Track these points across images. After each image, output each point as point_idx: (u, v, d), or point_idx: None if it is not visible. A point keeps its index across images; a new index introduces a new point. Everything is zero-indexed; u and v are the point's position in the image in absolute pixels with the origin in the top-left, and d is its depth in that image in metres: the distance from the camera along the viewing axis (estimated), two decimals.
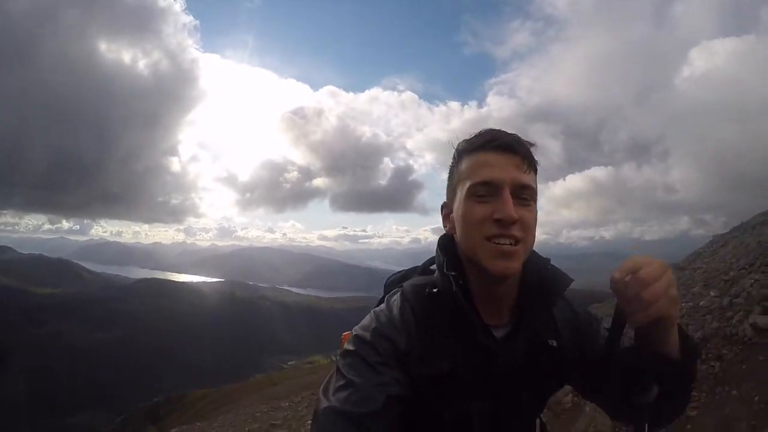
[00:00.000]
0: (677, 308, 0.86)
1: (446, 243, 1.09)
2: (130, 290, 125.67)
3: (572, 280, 1.08)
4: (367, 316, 1.05)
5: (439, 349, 0.99)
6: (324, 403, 0.93)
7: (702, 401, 4.51)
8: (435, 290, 1.03)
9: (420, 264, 1.24)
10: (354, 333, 1.02)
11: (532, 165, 1.01)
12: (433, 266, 1.13)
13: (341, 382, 0.94)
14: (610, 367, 0.97)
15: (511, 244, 0.95)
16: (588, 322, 1.15)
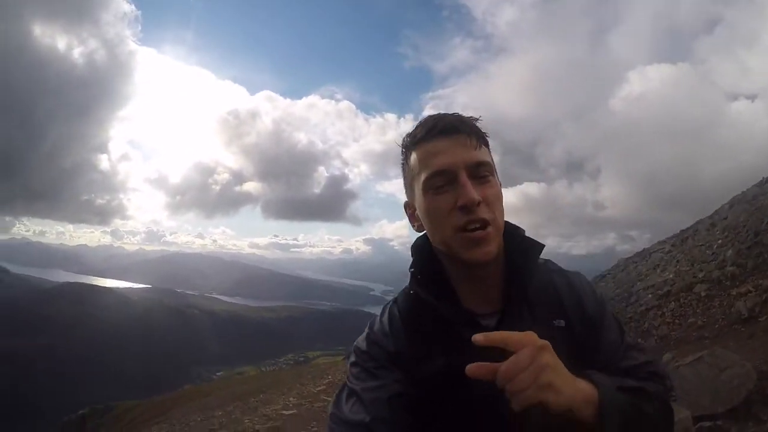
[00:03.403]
0: (555, 393, 0.76)
1: (420, 242, 1.06)
2: (54, 295, 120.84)
3: (543, 246, 1.03)
4: (366, 327, 1.05)
5: (429, 349, 0.96)
6: (332, 411, 0.96)
7: None
8: (411, 292, 1.02)
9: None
10: (354, 344, 1.04)
11: (481, 139, 0.97)
12: None
13: (346, 392, 0.97)
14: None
15: (482, 227, 0.91)
16: (594, 307, 1.04)
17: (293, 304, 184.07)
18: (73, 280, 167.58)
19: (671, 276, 8.74)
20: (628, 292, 9.08)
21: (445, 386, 0.94)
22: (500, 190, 0.98)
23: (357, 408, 0.93)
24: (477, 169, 0.94)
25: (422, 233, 1.07)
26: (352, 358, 1.02)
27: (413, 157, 1.00)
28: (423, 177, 0.96)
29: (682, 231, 13.06)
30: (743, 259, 7.34)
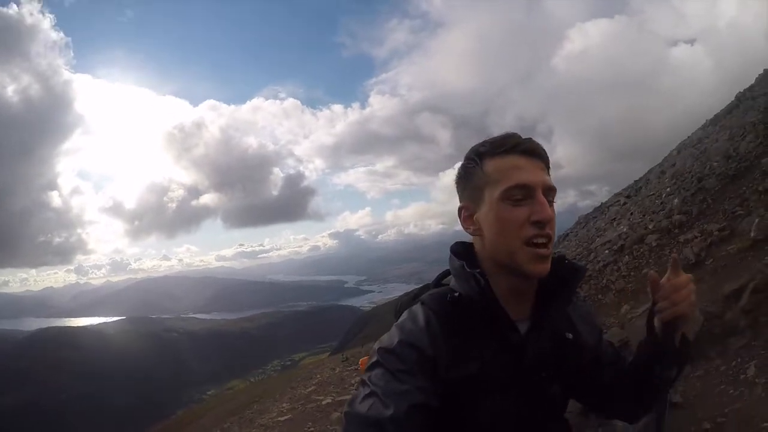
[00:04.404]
0: (693, 311, 1.03)
1: (459, 248, 1.12)
2: (27, 345, 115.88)
3: (587, 270, 1.29)
4: (391, 329, 1.06)
5: (466, 351, 1.01)
6: (346, 411, 0.96)
7: None
8: (456, 294, 1.05)
9: (418, 286, 1.30)
10: (377, 346, 1.02)
11: (549, 168, 1.08)
12: (446, 279, 1.15)
13: (365, 392, 0.95)
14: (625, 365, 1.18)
15: (546, 243, 1.00)
16: (596, 324, 1.26)
17: (270, 310, 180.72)
18: (44, 326, 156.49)
19: (625, 229, 8.93)
20: (587, 250, 9.28)
21: (474, 391, 1.00)
22: None
23: (376, 406, 0.92)
24: (549, 193, 1.04)
25: (458, 241, 1.16)
26: (375, 359, 1.01)
27: (491, 165, 1.04)
28: (502, 187, 1.01)
29: (636, 181, 13.41)
30: (688, 206, 7.49)
